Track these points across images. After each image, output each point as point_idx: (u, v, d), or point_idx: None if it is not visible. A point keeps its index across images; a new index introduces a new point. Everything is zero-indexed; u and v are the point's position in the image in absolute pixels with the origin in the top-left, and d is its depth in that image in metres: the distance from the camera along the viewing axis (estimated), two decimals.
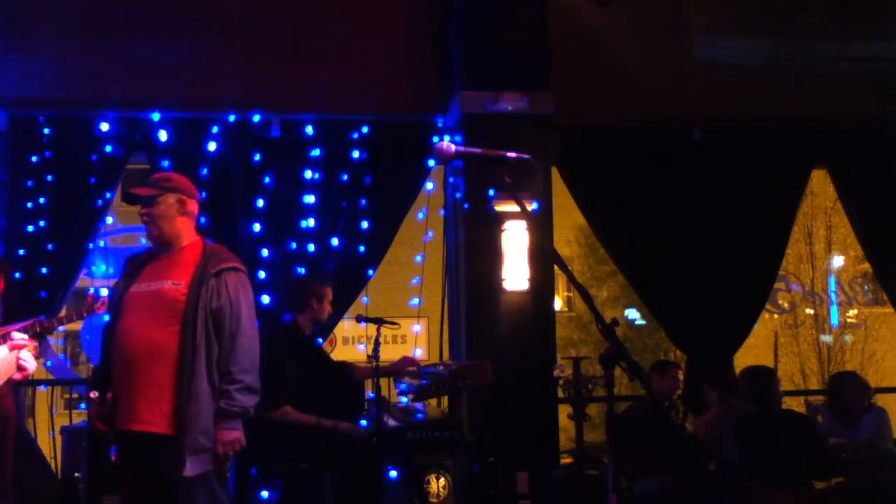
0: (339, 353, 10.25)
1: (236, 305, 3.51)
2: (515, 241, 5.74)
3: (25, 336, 2.88)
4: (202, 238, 3.76)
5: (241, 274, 3.62)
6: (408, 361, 5.36)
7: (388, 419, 5.25)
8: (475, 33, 6.04)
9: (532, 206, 5.40)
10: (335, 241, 5.96)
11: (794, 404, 9.37)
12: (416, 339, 6.46)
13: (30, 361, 2.79)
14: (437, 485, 5.34)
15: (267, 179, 5.94)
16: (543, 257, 5.76)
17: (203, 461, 3.41)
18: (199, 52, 6.01)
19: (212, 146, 5.88)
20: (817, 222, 14.61)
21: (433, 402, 5.75)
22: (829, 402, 5.81)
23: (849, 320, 15.60)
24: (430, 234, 6.35)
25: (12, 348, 2.63)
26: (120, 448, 3.58)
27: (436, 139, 6.07)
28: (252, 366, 3.53)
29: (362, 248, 6.02)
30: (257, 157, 5.94)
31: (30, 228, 5.72)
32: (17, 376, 2.57)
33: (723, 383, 5.85)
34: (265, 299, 5.71)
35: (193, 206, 3.69)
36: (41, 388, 6.78)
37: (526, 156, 2.57)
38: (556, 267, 4.97)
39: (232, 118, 5.92)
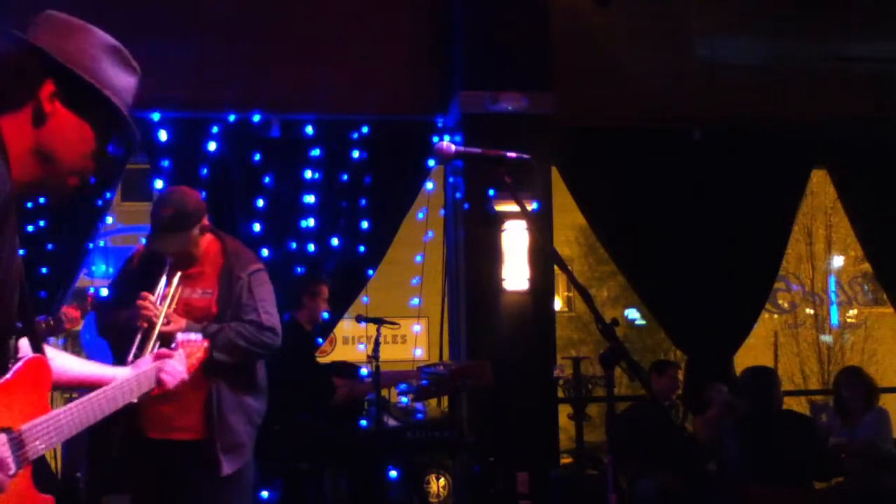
0: (339, 353, 10.27)
1: (262, 301, 3.57)
2: (515, 241, 5.75)
3: (198, 336, 2.44)
4: (215, 235, 3.69)
5: (264, 273, 3.66)
6: (400, 374, 5.38)
7: (388, 419, 5.26)
8: (475, 33, 6.04)
9: (532, 206, 5.40)
10: (335, 241, 5.96)
11: (794, 404, 9.37)
12: (416, 339, 6.47)
13: (174, 374, 2.27)
14: (437, 485, 5.36)
15: (267, 179, 5.94)
16: (543, 257, 5.75)
17: (236, 459, 3.50)
18: (200, 52, 6.01)
19: (212, 146, 5.88)
20: (817, 222, 14.58)
21: (433, 402, 5.76)
22: (834, 400, 5.80)
23: (849, 320, 15.57)
24: (430, 234, 6.35)
25: (156, 357, 2.27)
26: (151, 456, 3.55)
27: (436, 139, 6.06)
28: (276, 330, 3.57)
29: (362, 248, 6.02)
30: (257, 157, 5.94)
31: (30, 228, 5.71)
32: (155, 390, 2.26)
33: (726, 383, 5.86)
34: None
35: (206, 218, 3.62)
36: None
37: (526, 156, 2.56)
38: (556, 267, 4.97)
39: (232, 118, 5.92)
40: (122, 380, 2.08)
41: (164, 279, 3.42)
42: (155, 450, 3.52)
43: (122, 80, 1.77)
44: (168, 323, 3.36)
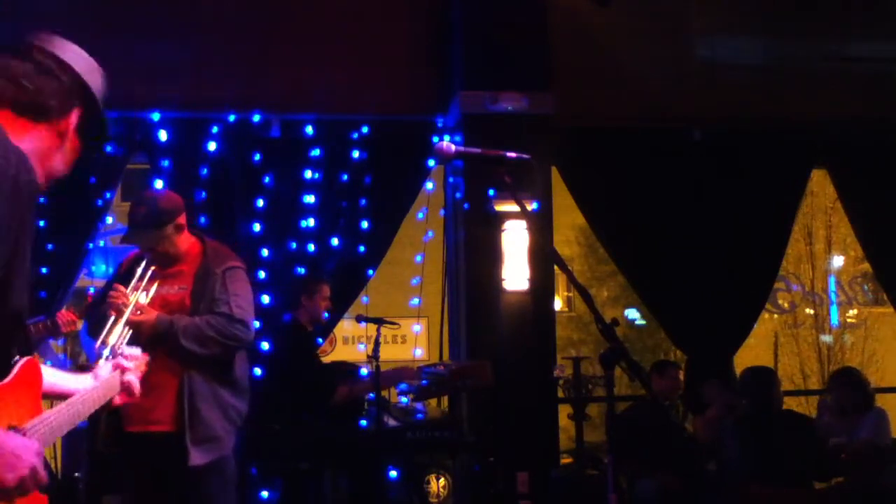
0: (339, 353, 10.26)
1: (235, 296, 3.61)
2: (515, 241, 5.74)
3: (138, 351, 2.48)
4: (197, 237, 3.78)
5: (241, 270, 3.71)
6: (400, 372, 5.38)
7: (388, 419, 5.26)
8: (475, 33, 6.04)
9: (532, 206, 5.40)
10: (335, 241, 5.96)
11: (794, 404, 9.37)
12: (416, 339, 6.47)
13: (136, 384, 2.35)
14: (437, 485, 5.36)
15: (267, 179, 5.94)
16: (543, 257, 5.75)
17: (209, 451, 3.52)
18: (200, 52, 6.01)
19: (212, 146, 5.88)
20: (817, 222, 14.57)
21: (433, 402, 5.75)
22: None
23: (849, 320, 15.56)
24: (430, 234, 6.35)
25: (115, 367, 2.32)
26: (128, 449, 3.64)
27: (436, 139, 6.06)
28: (248, 323, 3.61)
29: (362, 248, 6.02)
30: (257, 157, 5.94)
31: None
32: (117, 400, 2.35)
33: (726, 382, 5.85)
34: (265, 299, 5.71)
35: (184, 217, 3.70)
36: None
37: (526, 156, 2.56)
38: (556, 267, 4.97)
39: (232, 118, 5.92)
40: (89, 389, 2.13)
41: (138, 272, 3.49)
42: (134, 443, 3.57)
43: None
44: (140, 313, 3.42)
